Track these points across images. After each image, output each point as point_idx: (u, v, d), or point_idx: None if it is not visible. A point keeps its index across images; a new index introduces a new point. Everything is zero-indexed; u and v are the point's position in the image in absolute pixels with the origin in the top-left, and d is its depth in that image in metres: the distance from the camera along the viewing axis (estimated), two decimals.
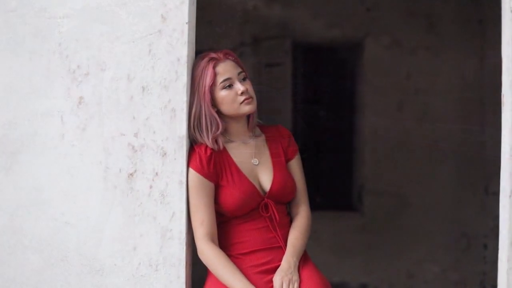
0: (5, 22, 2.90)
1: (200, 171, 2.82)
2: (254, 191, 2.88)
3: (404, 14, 6.31)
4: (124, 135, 2.85)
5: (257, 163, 2.95)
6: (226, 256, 2.80)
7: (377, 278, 6.39)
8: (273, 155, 3.01)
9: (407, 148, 6.32)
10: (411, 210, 6.35)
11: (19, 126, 2.89)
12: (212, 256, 2.78)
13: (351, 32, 6.40)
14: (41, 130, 2.89)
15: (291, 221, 3.03)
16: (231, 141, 2.96)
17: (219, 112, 2.91)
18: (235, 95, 2.87)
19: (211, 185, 2.84)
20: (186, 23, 2.84)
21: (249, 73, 6.03)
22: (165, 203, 2.84)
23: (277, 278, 2.78)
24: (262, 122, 3.13)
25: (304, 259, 2.94)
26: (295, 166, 3.08)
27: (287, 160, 3.06)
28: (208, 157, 2.83)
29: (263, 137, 3.06)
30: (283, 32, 6.38)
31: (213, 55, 2.89)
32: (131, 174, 2.85)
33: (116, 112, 2.86)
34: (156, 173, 2.84)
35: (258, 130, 3.07)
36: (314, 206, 6.39)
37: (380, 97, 6.32)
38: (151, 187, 2.84)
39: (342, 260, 6.41)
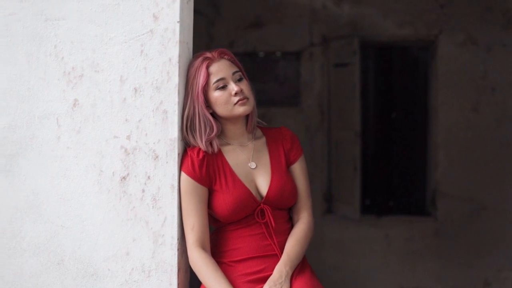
0: (5, 26, 2.92)
1: (192, 175, 2.73)
2: (248, 196, 2.75)
3: (479, 10, 6.05)
4: (117, 137, 2.81)
5: (254, 167, 2.83)
6: (215, 264, 2.69)
7: (451, 285, 6.14)
8: (272, 159, 2.87)
9: (483, 149, 6.05)
10: (487, 215, 6.08)
11: (18, 129, 2.89)
12: (200, 263, 2.68)
13: (423, 30, 6.19)
14: (39, 133, 2.88)
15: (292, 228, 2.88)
16: (228, 144, 2.86)
17: (215, 114, 2.81)
18: (228, 96, 2.76)
19: (203, 189, 2.75)
20: (178, 22, 2.75)
21: (318, 73, 6.05)
22: (157, 207, 2.77)
23: None
24: (265, 123, 3.00)
25: (300, 268, 2.78)
26: (298, 170, 2.92)
27: (289, 164, 2.91)
28: (200, 161, 2.74)
29: (263, 139, 2.93)
30: (352, 31, 6.23)
31: (208, 54, 2.80)
32: (124, 178, 2.80)
33: (109, 114, 2.82)
34: (148, 177, 2.78)
35: (259, 132, 2.95)
36: (386, 210, 6.28)
37: (455, 97, 6.09)
38: (143, 191, 2.79)
39: (414, 266, 6.21)
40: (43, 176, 2.88)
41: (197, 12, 6.24)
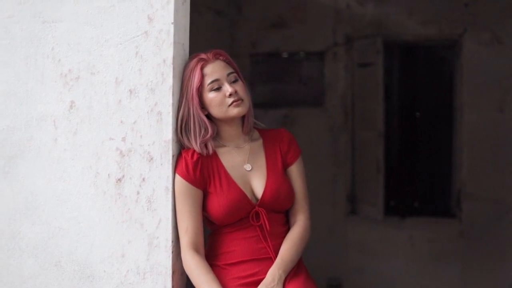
0: (4, 28, 2.94)
1: (186, 177, 2.71)
2: (243, 198, 2.73)
3: (504, 9, 5.95)
4: (112, 139, 2.81)
5: (250, 169, 2.80)
6: (207, 267, 2.67)
7: None
8: (268, 161, 2.84)
9: (509, 150, 5.95)
10: None
11: (17, 131, 2.91)
12: (192, 266, 2.66)
13: (448, 29, 6.12)
14: (36, 135, 2.90)
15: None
16: (223, 146, 2.83)
17: (210, 116, 2.79)
18: (223, 97, 2.74)
19: (198, 191, 2.73)
20: (172, 23, 2.74)
21: (342, 73, 6.01)
22: (151, 209, 2.77)
23: None
24: (264, 125, 2.97)
25: (295, 272, 2.73)
26: (295, 172, 2.88)
27: (286, 166, 2.87)
28: (194, 163, 2.72)
29: (260, 141, 2.89)
30: (376, 31, 6.18)
31: (203, 55, 2.77)
32: (119, 180, 2.80)
33: (105, 116, 2.82)
34: (143, 179, 2.77)
35: (256, 134, 2.92)
36: (411, 211, 6.21)
37: (480, 96, 6.00)
38: (138, 192, 2.78)
39: (438, 268, 6.12)
40: (41, 177, 2.89)
41: (219, 13, 6.32)
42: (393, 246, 6.25)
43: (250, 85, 6.54)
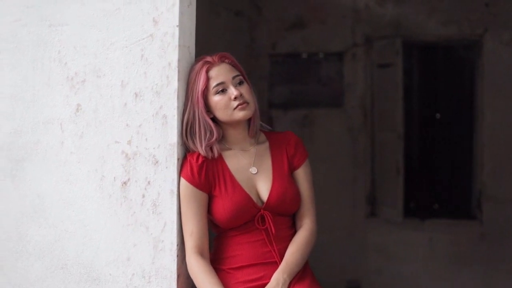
0: (11, 32, 2.95)
1: (191, 180, 2.70)
2: (248, 202, 2.71)
3: None
4: (118, 142, 2.80)
5: (255, 172, 2.78)
6: (212, 271, 2.65)
7: None
8: (274, 164, 2.81)
9: None
10: None
11: (24, 134, 2.92)
12: (197, 270, 2.65)
13: (468, 29, 6.05)
14: (43, 138, 2.90)
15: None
16: (229, 149, 2.81)
17: (216, 119, 2.77)
18: (228, 100, 2.72)
19: (203, 195, 2.71)
20: (177, 26, 2.72)
21: (361, 74, 5.97)
22: (157, 213, 2.76)
23: None
24: (270, 128, 2.95)
25: (300, 276, 2.70)
26: (302, 175, 2.85)
27: (293, 169, 2.84)
28: (199, 166, 2.70)
29: (266, 144, 2.87)
30: (396, 31, 6.13)
31: (208, 58, 2.76)
32: (125, 183, 2.79)
33: (111, 119, 2.81)
34: (149, 182, 2.77)
35: (263, 137, 2.89)
36: (430, 213, 6.15)
37: (501, 97, 5.93)
38: (143, 196, 2.77)
39: (459, 271, 6.07)
40: (48, 180, 2.90)
41: (238, 14, 6.30)
42: (412, 248, 6.20)
43: (269, 86, 6.54)
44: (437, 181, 6.48)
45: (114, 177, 2.81)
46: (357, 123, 6.39)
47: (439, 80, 6.42)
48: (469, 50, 6.26)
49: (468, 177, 6.23)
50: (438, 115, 6.47)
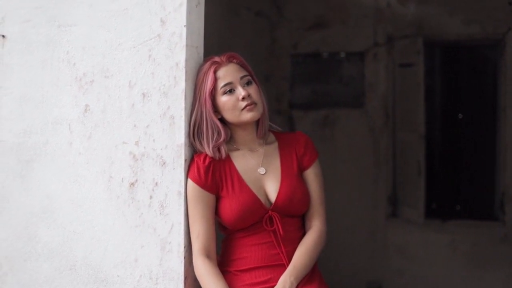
0: (21, 33, 2.96)
1: (198, 181, 2.68)
2: (255, 202, 2.68)
3: None
4: (126, 143, 2.79)
5: (264, 173, 2.75)
6: (218, 273, 2.63)
7: None
8: (283, 164, 2.78)
9: None
10: None
11: (33, 135, 2.92)
12: (203, 272, 2.63)
13: (491, 28, 5.96)
14: (52, 139, 2.90)
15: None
16: (237, 149, 2.79)
17: (224, 119, 2.75)
18: (236, 101, 2.69)
19: (210, 196, 2.69)
20: (184, 26, 2.71)
21: (383, 74, 5.92)
22: (164, 214, 2.74)
23: None
24: (280, 129, 2.92)
25: (308, 279, 2.67)
26: (311, 176, 2.82)
27: (302, 170, 2.81)
28: (206, 167, 2.68)
29: (275, 144, 2.84)
30: (418, 30, 6.06)
31: (216, 58, 2.74)
32: (133, 184, 2.78)
33: (119, 120, 2.81)
34: (156, 183, 2.75)
35: (272, 137, 2.86)
36: (452, 214, 6.08)
37: None
38: (151, 197, 2.76)
39: (482, 273, 5.97)
40: (57, 181, 2.90)
41: (258, 13, 6.28)
42: (434, 250, 6.12)
43: (290, 86, 6.51)
44: (459, 182, 6.40)
45: (122, 178, 2.80)
46: (378, 123, 6.33)
47: (461, 80, 6.34)
48: (492, 49, 6.16)
49: (490, 178, 6.14)
50: (460, 115, 6.39)
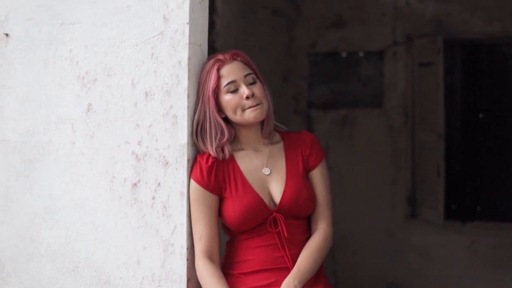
0: (23, 31, 2.93)
1: (201, 182, 2.62)
2: (259, 204, 2.61)
3: None
4: (128, 143, 2.75)
5: (268, 173, 2.69)
6: (220, 275, 2.57)
7: None
8: (288, 164, 2.71)
9: None
10: None
11: (36, 134, 2.89)
12: (205, 274, 2.57)
13: None
14: (55, 138, 2.87)
15: None
16: (241, 149, 2.72)
17: (228, 119, 2.69)
18: (239, 100, 2.63)
19: (213, 197, 2.64)
20: (187, 23, 2.65)
21: (402, 73, 5.84)
22: (167, 215, 2.69)
23: None
24: (286, 128, 2.86)
25: (313, 283, 2.60)
26: (317, 177, 2.74)
27: (308, 170, 2.74)
28: (209, 167, 2.63)
29: (281, 144, 2.77)
30: (437, 29, 5.97)
31: (220, 56, 2.67)
32: (135, 184, 2.74)
33: (121, 119, 2.76)
34: (159, 183, 2.71)
35: (277, 137, 2.79)
36: (473, 216, 5.98)
37: None
38: (153, 198, 2.71)
39: (501, 276, 5.86)
40: (59, 181, 2.87)
41: (276, 12, 6.22)
42: (454, 251, 6.03)
43: (309, 86, 6.45)
44: (479, 183, 6.28)
45: (125, 178, 2.76)
46: (397, 123, 6.25)
47: (482, 79, 6.22)
48: None
49: (511, 178, 6.03)
50: (481, 115, 6.27)
